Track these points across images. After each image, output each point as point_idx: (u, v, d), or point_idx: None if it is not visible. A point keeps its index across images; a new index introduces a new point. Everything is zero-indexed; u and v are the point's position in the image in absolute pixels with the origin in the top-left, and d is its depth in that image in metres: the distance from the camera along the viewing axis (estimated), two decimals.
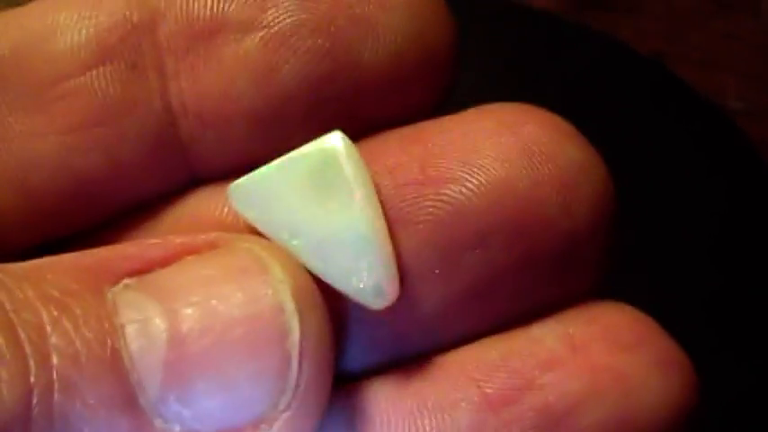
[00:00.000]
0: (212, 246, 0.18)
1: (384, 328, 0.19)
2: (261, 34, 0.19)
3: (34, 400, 0.15)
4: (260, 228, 0.19)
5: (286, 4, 0.19)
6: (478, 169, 0.19)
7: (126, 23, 0.19)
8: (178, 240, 0.18)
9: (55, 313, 0.16)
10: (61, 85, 0.19)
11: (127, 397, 0.16)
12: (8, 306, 0.15)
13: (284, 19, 0.19)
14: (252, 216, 0.19)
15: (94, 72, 0.19)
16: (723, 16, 0.38)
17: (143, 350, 0.16)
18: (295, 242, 0.18)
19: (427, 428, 0.19)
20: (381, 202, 0.19)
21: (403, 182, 0.19)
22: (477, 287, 0.19)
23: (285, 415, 0.17)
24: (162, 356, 0.16)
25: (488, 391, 0.19)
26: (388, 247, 0.18)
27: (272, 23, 0.19)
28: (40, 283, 0.16)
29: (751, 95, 0.38)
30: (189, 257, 0.17)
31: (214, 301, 0.16)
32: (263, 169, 0.19)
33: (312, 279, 0.18)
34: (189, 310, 0.16)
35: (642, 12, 0.40)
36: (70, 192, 0.19)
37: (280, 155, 0.19)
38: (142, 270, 0.17)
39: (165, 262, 0.17)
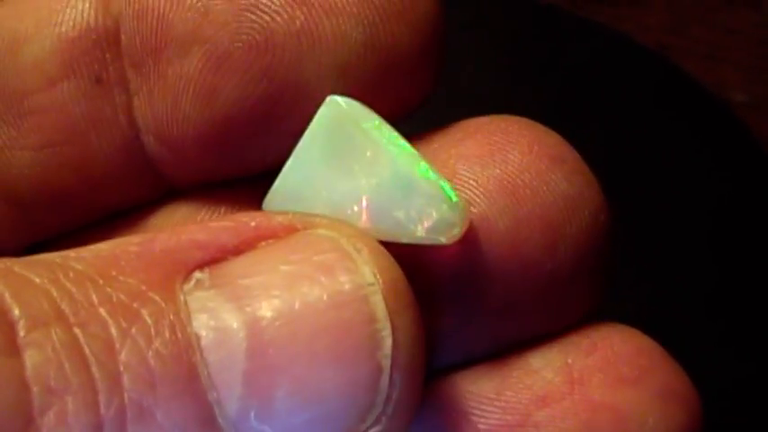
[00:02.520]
0: (290, 230, 0.16)
1: None
2: (201, 53, 0.18)
3: None
4: None
5: (225, 18, 0.17)
6: None
7: (90, 33, 0.18)
8: (252, 224, 0.16)
9: (124, 324, 0.14)
10: (30, 100, 0.18)
11: (204, 418, 0.14)
12: (72, 319, 0.14)
13: (222, 35, 0.17)
14: None
15: (59, 86, 0.18)
16: (726, 10, 0.38)
17: (221, 363, 0.14)
18: (347, 214, 0.17)
19: None
20: None
21: None
22: (458, 327, 0.18)
23: (374, 430, 0.15)
24: (241, 368, 0.14)
25: (482, 426, 0.18)
26: (434, 175, 0.17)
27: (210, 40, 0.17)
28: (105, 284, 0.14)
29: (754, 89, 0.38)
30: (264, 244, 0.16)
31: (297, 305, 0.15)
32: (284, 170, 0.17)
33: (401, 271, 0.16)
34: (269, 314, 0.15)
35: (645, 5, 0.40)
36: (50, 202, 0.19)
37: (245, 165, 0.18)
38: (216, 259, 0.15)
39: (238, 250, 0.15)
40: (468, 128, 0.18)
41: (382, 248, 0.16)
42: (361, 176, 0.17)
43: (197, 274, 0.15)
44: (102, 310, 0.14)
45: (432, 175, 0.17)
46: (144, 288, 0.14)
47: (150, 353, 0.14)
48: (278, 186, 0.18)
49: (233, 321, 0.14)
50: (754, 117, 0.37)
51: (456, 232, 0.16)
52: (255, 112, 0.18)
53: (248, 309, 0.15)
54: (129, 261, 0.15)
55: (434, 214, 0.16)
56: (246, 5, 0.17)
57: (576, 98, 0.36)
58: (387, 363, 0.15)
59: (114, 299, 0.14)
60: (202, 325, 0.14)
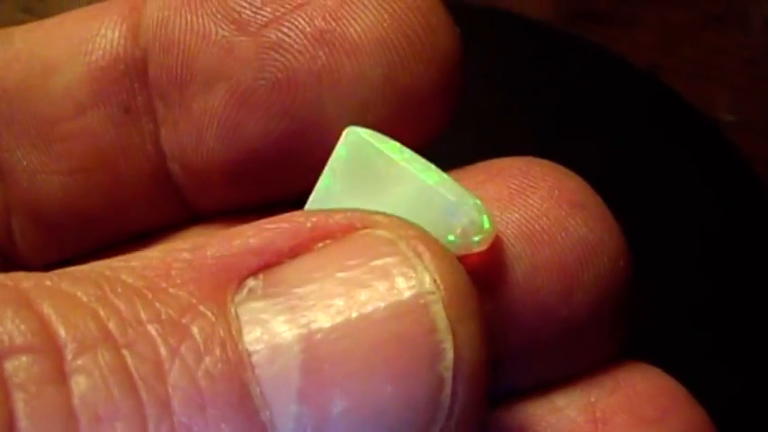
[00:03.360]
0: (348, 229, 0.15)
1: None
2: (225, 89, 0.18)
3: None
4: None
5: (249, 55, 0.18)
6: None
7: (119, 63, 0.19)
8: (309, 224, 0.15)
9: (173, 343, 0.13)
10: (61, 127, 0.19)
11: None
12: (120, 340, 0.13)
13: (246, 73, 0.18)
14: None
15: (89, 114, 0.19)
16: (714, 30, 0.39)
17: (274, 381, 0.14)
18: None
19: None
20: None
21: None
22: None
23: None
24: (296, 386, 0.14)
25: None
26: (458, 186, 0.17)
27: (234, 77, 0.18)
28: (154, 298, 0.14)
29: (742, 109, 0.38)
30: (321, 245, 0.15)
31: (354, 315, 0.14)
32: (308, 204, 0.17)
33: (466, 275, 0.15)
34: (326, 325, 0.14)
35: (638, 25, 0.40)
36: (78, 224, 0.19)
37: (269, 194, 0.19)
38: (269, 264, 0.15)
39: (294, 253, 0.15)
40: (491, 169, 0.18)
41: (445, 250, 0.15)
42: (386, 196, 0.17)
43: (250, 282, 0.14)
44: (150, 328, 0.13)
45: (455, 185, 0.17)
46: (194, 301, 0.14)
47: (200, 372, 0.13)
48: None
49: (287, 335, 0.14)
50: (743, 137, 0.37)
51: (487, 235, 0.16)
52: (278, 147, 0.18)
53: (303, 320, 0.14)
54: (181, 271, 0.14)
55: (464, 219, 0.16)
56: (270, 44, 0.18)
57: (569, 116, 0.36)
58: (448, 375, 0.14)
59: (163, 315, 0.14)
60: (255, 339, 0.14)
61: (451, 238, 0.16)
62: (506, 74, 0.38)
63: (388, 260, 0.15)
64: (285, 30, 0.18)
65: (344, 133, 0.17)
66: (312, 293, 0.14)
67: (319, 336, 0.14)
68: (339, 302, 0.14)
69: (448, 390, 0.14)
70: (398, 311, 0.14)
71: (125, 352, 0.13)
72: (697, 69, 0.39)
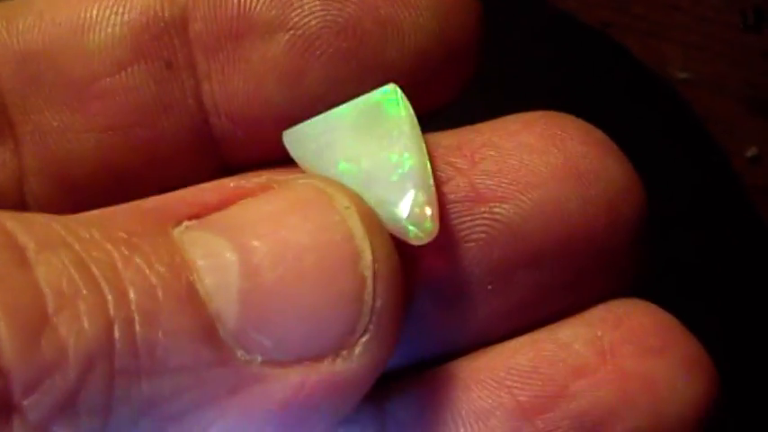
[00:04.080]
0: (265, 188, 0.17)
1: (431, 327, 0.19)
2: (287, 37, 0.19)
3: (116, 333, 0.14)
4: (310, 169, 0.19)
5: (311, 5, 0.19)
6: (531, 188, 0.19)
7: (158, 21, 0.19)
8: (231, 184, 0.18)
9: (125, 252, 0.15)
10: (97, 84, 0.19)
11: (207, 329, 0.15)
12: (77, 246, 0.15)
13: (310, 21, 0.19)
14: (303, 156, 0.19)
15: (129, 71, 0.19)
16: None
17: (217, 283, 0.16)
18: (345, 177, 0.18)
19: None
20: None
21: (454, 198, 0.19)
22: (525, 301, 0.19)
23: (364, 339, 0.16)
24: (237, 288, 0.16)
25: (521, 398, 0.19)
26: (432, 186, 0.18)
27: (297, 25, 0.19)
28: (105, 226, 0.16)
29: (695, 66, 0.38)
30: (245, 200, 0.17)
31: (283, 232, 0.16)
32: (317, 117, 0.19)
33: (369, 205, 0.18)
34: (257, 243, 0.16)
35: None
36: (108, 186, 0.19)
37: None
38: (200, 214, 0.17)
39: (222, 205, 0.17)
40: (521, 120, 0.20)
41: (353, 190, 0.18)
42: (377, 149, 0.18)
43: (186, 223, 0.16)
44: (105, 242, 0.15)
45: (430, 180, 0.18)
46: (140, 229, 0.16)
47: (152, 273, 0.15)
48: (304, 127, 0.19)
49: (225, 250, 0.16)
50: (695, 94, 0.37)
51: (425, 234, 0.18)
52: (336, 91, 0.19)
53: (238, 240, 0.16)
54: (125, 213, 0.16)
55: (415, 212, 0.18)
56: None
57: (519, 75, 0.36)
58: (368, 273, 0.16)
59: (115, 235, 0.15)
60: (197, 255, 0.16)
61: (399, 214, 0.18)
62: None
63: (307, 193, 0.17)
64: None
65: (387, 87, 0.19)
66: (245, 225, 0.16)
67: (253, 249, 0.16)
68: (268, 225, 0.16)
69: (370, 286, 0.16)
70: (320, 224, 0.16)
71: (83, 255, 0.15)
72: (649, 27, 0.38)
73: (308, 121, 0.19)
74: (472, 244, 0.19)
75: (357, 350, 0.16)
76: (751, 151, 0.37)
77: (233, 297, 0.16)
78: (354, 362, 0.16)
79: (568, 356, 0.19)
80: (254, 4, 0.19)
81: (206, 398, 0.15)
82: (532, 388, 0.19)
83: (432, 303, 0.19)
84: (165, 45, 0.19)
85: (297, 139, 0.19)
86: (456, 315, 0.19)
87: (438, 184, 0.19)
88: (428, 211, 0.18)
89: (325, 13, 0.19)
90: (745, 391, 0.33)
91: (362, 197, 0.18)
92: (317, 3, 0.19)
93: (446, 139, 0.20)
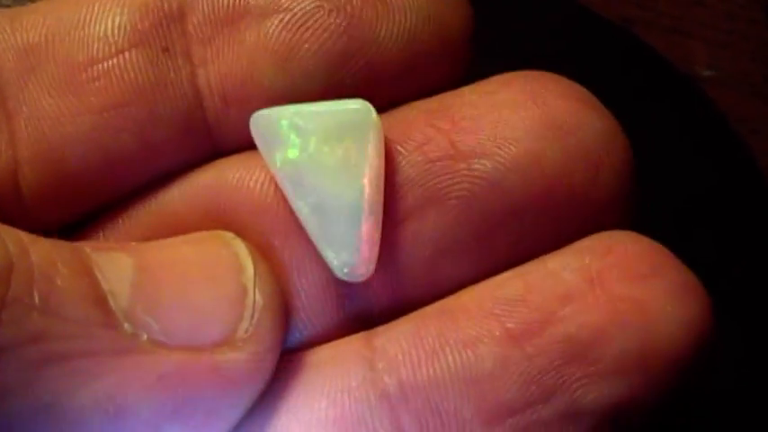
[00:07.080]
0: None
1: (417, 275, 0.20)
2: (281, 17, 0.19)
3: (15, 274, 0.16)
4: (265, 159, 0.20)
5: None
6: (509, 143, 0.19)
7: (157, 12, 0.20)
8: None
9: (26, 240, 0.17)
10: (94, 68, 0.20)
11: (99, 297, 0.17)
12: None
13: (302, 1, 0.19)
14: (260, 146, 0.19)
15: (127, 54, 0.20)
16: None
17: (111, 272, 0.17)
18: (282, 171, 0.19)
19: (451, 365, 0.19)
20: (414, 177, 0.19)
21: (434, 157, 0.19)
22: (509, 254, 0.19)
23: (243, 341, 0.18)
24: (129, 278, 0.18)
25: (509, 325, 0.19)
26: (375, 231, 0.19)
27: (291, 6, 0.19)
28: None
29: (720, 63, 0.37)
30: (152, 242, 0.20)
31: (175, 251, 0.19)
32: (292, 106, 0.19)
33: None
34: (153, 251, 0.18)
35: None
36: (101, 170, 0.20)
37: None
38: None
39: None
40: (503, 81, 0.20)
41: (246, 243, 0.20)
42: (331, 165, 0.19)
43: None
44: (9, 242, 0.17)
45: (374, 226, 0.19)
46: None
47: (53, 251, 0.17)
48: (276, 110, 0.19)
49: (120, 253, 0.18)
50: (720, 92, 0.36)
51: (354, 275, 0.19)
52: (330, 71, 0.19)
53: (135, 253, 0.18)
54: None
55: (343, 257, 0.19)
56: None
57: (541, 68, 0.35)
58: (250, 284, 0.18)
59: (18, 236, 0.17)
60: (99, 257, 0.18)
61: (330, 256, 0.19)
62: (479, 25, 0.37)
63: (202, 234, 0.20)
64: None
65: (362, 103, 0.19)
66: (143, 247, 0.19)
67: (148, 253, 0.18)
68: (163, 248, 0.19)
69: (251, 295, 0.18)
70: (210, 247, 0.19)
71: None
72: (674, 23, 0.37)
73: (278, 107, 0.19)
74: (454, 201, 0.19)
75: (236, 349, 0.18)
76: None
77: (126, 283, 0.17)
78: (234, 356, 0.18)
79: (557, 284, 0.19)
80: None
81: (91, 351, 0.16)
82: (520, 315, 0.19)
83: (419, 252, 0.20)
84: (162, 32, 0.20)
85: (263, 126, 0.19)
86: (442, 268, 0.19)
87: (420, 146, 0.19)
88: (355, 262, 0.19)
89: None
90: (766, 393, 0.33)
91: (305, 221, 0.19)
92: None
93: (428, 103, 0.20)
